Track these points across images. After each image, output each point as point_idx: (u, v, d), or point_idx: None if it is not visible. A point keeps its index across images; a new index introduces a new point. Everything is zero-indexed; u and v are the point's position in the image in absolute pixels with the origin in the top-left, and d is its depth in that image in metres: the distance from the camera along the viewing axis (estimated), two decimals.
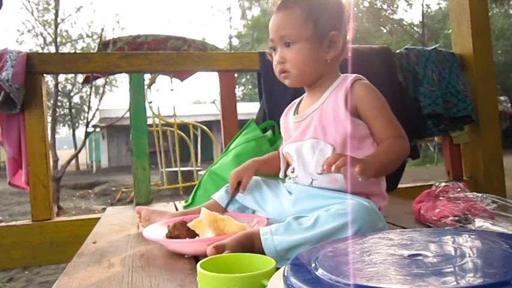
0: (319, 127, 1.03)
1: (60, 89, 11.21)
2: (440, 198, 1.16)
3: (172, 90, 6.12)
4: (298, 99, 1.17)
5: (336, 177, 0.99)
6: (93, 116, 6.50)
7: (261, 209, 1.13)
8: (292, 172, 1.08)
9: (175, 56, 2.33)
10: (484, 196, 1.10)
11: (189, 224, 0.99)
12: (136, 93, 2.16)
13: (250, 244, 0.84)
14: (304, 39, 1.01)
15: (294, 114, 1.13)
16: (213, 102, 18.52)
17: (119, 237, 1.19)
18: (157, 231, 1.07)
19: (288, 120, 1.15)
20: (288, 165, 1.14)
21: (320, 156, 1.00)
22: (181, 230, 0.99)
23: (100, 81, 9.71)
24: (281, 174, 1.15)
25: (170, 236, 0.99)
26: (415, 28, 19.97)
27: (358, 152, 0.97)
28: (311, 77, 1.06)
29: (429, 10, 20.31)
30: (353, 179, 0.93)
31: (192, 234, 0.99)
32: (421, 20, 19.50)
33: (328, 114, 1.02)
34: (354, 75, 1.06)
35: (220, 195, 1.21)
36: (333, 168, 0.83)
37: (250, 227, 0.99)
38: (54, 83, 6.37)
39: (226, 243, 0.82)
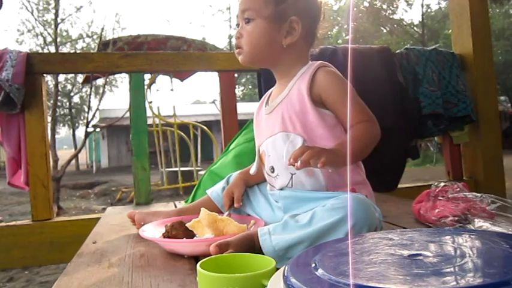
0: (287, 119, 1.00)
1: (60, 89, 11.22)
2: (440, 198, 1.16)
3: (172, 90, 6.12)
4: (269, 91, 1.15)
5: (312, 169, 0.96)
6: (93, 116, 6.50)
7: (257, 216, 1.13)
8: (272, 171, 1.05)
9: (175, 56, 2.33)
10: (484, 196, 1.09)
11: (187, 224, 0.99)
12: (136, 93, 2.16)
13: (252, 244, 0.84)
14: (261, 17, 1.00)
15: (265, 106, 1.11)
16: (213, 102, 18.52)
17: (118, 237, 1.18)
18: (154, 231, 1.07)
19: (260, 113, 1.13)
20: (262, 163, 1.10)
21: (291, 148, 0.97)
22: (178, 230, 0.98)
23: (100, 81, 9.71)
24: (252, 171, 1.12)
25: (168, 235, 0.98)
26: (415, 28, 19.97)
27: (330, 142, 0.95)
28: (263, 58, 1.05)
29: (429, 10, 20.31)
30: (330, 172, 0.93)
31: (190, 235, 0.99)
32: (421, 20, 19.49)
33: (294, 104, 1.00)
34: (319, 62, 1.03)
35: (216, 195, 1.20)
36: (298, 163, 0.81)
37: (248, 228, 0.99)
38: (54, 83, 6.37)
39: (231, 242, 0.83)
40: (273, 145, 1.04)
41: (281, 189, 1.03)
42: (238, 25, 1.05)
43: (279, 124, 1.02)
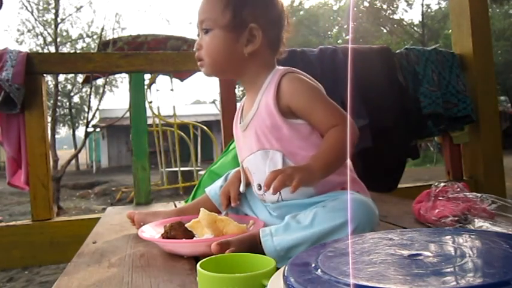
0: (261, 136, 0.98)
1: (60, 89, 11.22)
2: (440, 198, 1.16)
3: (172, 90, 6.13)
4: (242, 102, 1.10)
5: None
6: (93, 116, 6.51)
7: (255, 216, 1.12)
8: (259, 189, 1.04)
9: (175, 56, 2.33)
10: (484, 196, 1.09)
11: (187, 225, 0.99)
12: (136, 93, 2.16)
13: (254, 245, 0.84)
14: (219, 26, 0.97)
15: (240, 122, 1.06)
16: (213, 102, 18.52)
17: (118, 237, 1.18)
18: (153, 231, 1.06)
19: (237, 128, 1.09)
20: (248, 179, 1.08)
21: (272, 165, 0.96)
22: (177, 231, 0.98)
23: (100, 81, 9.72)
24: (241, 189, 1.10)
25: (166, 236, 0.98)
26: (415, 28, 19.97)
27: (308, 152, 0.93)
28: (225, 68, 1.02)
29: (429, 10, 20.30)
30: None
31: (189, 235, 0.98)
32: (421, 20, 19.49)
33: (265, 120, 0.97)
34: (282, 69, 0.99)
35: (214, 193, 1.19)
36: (270, 190, 0.81)
37: (247, 229, 0.99)
38: (54, 83, 6.37)
39: (232, 241, 0.82)
40: (254, 163, 1.01)
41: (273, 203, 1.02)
42: (198, 35, 1.02)
43: (255, 142, 0.99)
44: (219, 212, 1.10)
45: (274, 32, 1.01)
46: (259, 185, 1.03)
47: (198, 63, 1.02)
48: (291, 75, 0.98)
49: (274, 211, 1.03)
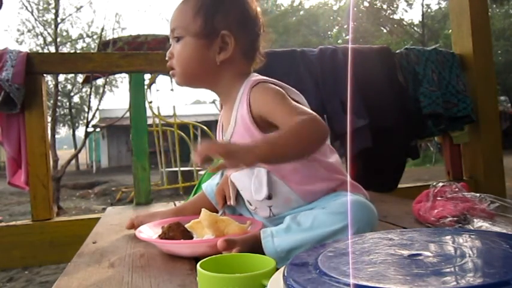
0: None
1: (60, 89, 11.23)
2: (438, 198, 1.16)
3: (172, 90, 6.13)
4: (221, 115, 1.07)
5: (289, 196, 0.94)
6: (93, 116, 6.51)
7: (251, 216, 1.12)
8: (250, 204, 1.03)
9: None
10: (483, 196, 1.10)
11: (186, 225, 0.98)
12: (136, 93, 2.16)
13: (256, 245, 0.84)
14: (191, 34, 0.94)
15: (222, 137, 1.04)
16: (213, 102, 18.52)
17: (118, 237, 1.18)
18: (151, 232, 1.06)
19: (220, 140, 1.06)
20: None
21: (257, 183, 0.95)
22: (176, 231, 0.97)
23: (100, 81, 9.73)
24: (232, 202, 1.08)
25: (165, 237, 0.97)
26: (415, 28, 19.97)
27: (292, 164, 0.91)
28: (198, 78, 0.98)
29: (429, 10, 20.30)
30: (304, 191, 0.90)
31: (187, 236, 0.98)
32: (421, 20, 19.49)
33: (244, 136, 0.93)
34: (253, 79, 0.94)
35: (211, 191, 1.19)
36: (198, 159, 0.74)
37: (246, 229, 0.99)
38: (54, 83, 6.37)
39: (237, 241, 0.83)
40: (241, 180, 0.99)
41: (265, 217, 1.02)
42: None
43: None
44: (215, 209, 1.09)
45: (249, 39, 0.97)
46: (249, 202, 1.03)
47: (170, 72, 0.99)
48: (261, 85, 0.93)
49: (270, 223, 1.02)
